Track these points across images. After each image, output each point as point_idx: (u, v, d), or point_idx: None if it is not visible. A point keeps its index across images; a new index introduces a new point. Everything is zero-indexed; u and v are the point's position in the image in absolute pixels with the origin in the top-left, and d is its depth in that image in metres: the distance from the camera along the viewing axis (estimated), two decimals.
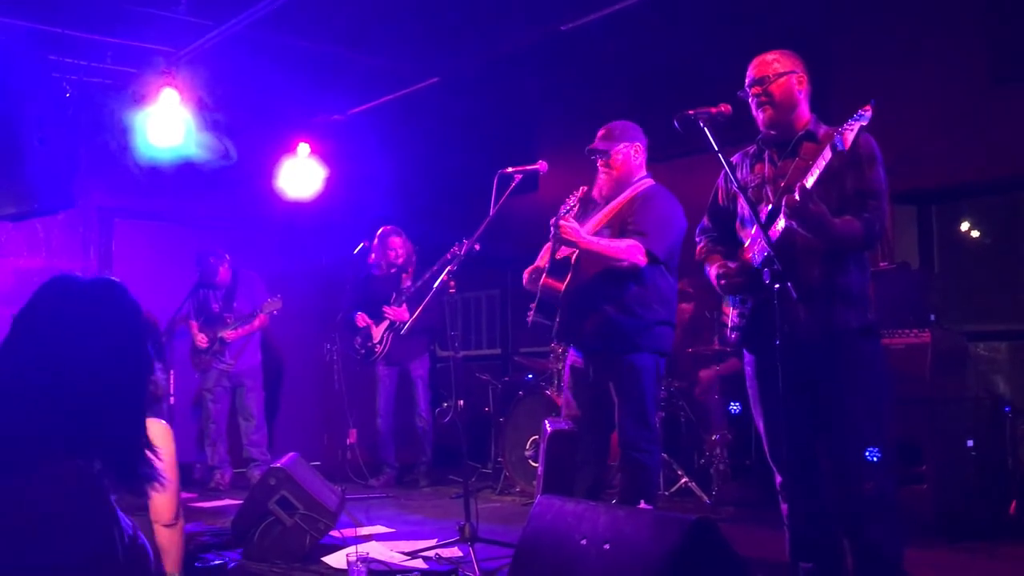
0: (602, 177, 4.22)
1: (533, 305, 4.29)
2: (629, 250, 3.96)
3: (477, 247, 4.48)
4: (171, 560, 3.17)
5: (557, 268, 4.18)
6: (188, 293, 7.16)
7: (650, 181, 4.23)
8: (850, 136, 2.98)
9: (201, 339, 7.04)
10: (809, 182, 3.06)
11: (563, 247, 4.12)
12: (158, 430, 3.29)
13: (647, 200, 4.12)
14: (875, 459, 3.13)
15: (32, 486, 1.70)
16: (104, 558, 1.75)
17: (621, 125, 4.25)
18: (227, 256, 7.15)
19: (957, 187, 5.80)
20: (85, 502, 1.74)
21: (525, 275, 4.35)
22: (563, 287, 4.15)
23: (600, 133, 4.25)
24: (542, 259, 4.32)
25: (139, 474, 1.86)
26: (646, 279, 4.04)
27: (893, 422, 3.38)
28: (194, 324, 7.13)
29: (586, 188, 4.20)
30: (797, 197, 3.02)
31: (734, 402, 5.68)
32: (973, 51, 5.40)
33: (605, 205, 4.21)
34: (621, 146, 4.19)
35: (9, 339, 1.86)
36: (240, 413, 7.11)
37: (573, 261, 4.14)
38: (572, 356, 4.32)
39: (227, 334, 6.98)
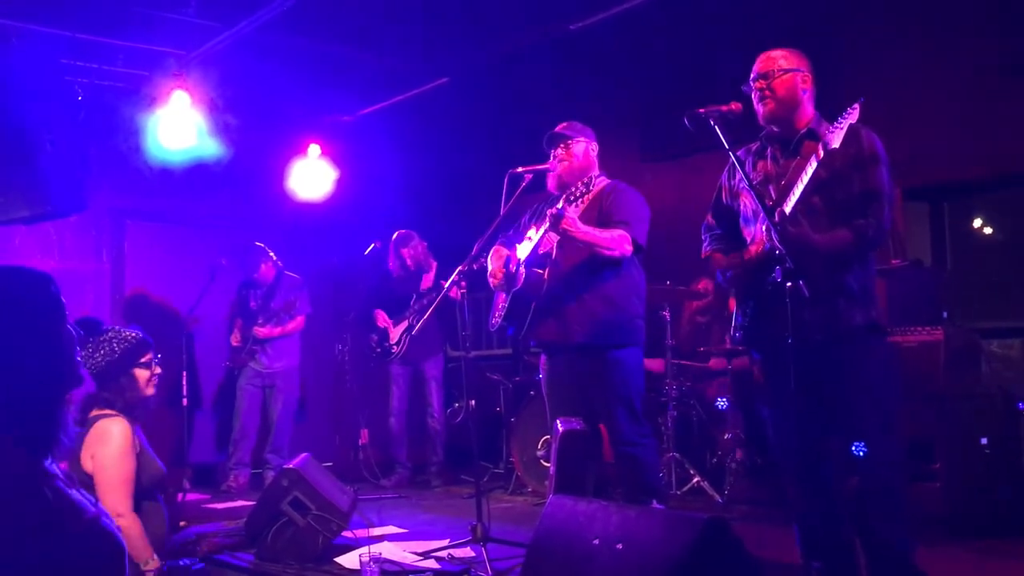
0: (560, 167, 4.26)
1: (499, 311, 4.31)
2: (619, 239, 4.01)
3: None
4: (134, 552, 3.36)
5: (534, 264, 4.18)
6: (234, 293, 7.23)
7: (607, 179, 4.31)
8: (838, 135, 3.00)
9: (234, 337, 7.05)
10: (788, 207, 3.06)
11: (545, 242, 4.13)
12: (105, 427, 3.53)
13: (621, 193, 4.20)
14: (861, 453, 3.13)
15: None
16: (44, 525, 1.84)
17: (580, 123, 4.36)
18: (272, 255, 7.14)
19: (969, 183, 5.78)
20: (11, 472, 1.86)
21: (493, 279, 4.36)
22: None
23: (561, 125, 4.33)
24: (500, 263, 4.33)
25: (58, 442, 1.97)
26: (623, 271, 4.10)
27: (902, 419, 3.36)
28: (238, 322, 7.13)
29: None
30: (776, 221, 3.02)
31: (721, 398, 5.68)
32: (984, 47, 5.37)
33: (561, 195, 4.20)
34: (582, 138, 4.28)
35: None
36: (268, 415, 7.10)
37: (553, 256, 4.14)
38: (542, 362, 4.34)
39: (257, 331, 6.96)
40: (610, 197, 4.17)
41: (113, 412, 3.64)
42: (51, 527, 1.84)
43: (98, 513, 1.95)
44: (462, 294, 4.55)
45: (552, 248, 4.15)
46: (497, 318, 4.34)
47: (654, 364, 5.89)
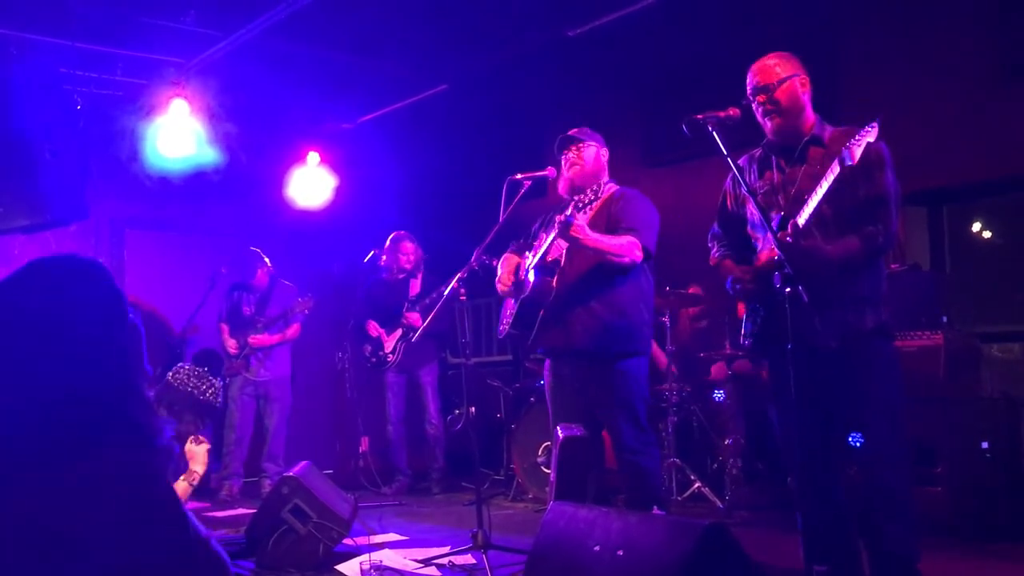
0: (571, 171, 4.26)
1: (507, 318, 4.30)
2: (628, 246, 4.00)
3: (496, 263, 4.54)
4: None
5: (543, 271, 4.18)
6: (223, 295, 7.11)
7: (616, 185, 4.31)
8: (857, 151, 2.98)
9: (232, 344, 6.96)
10: (802, 219, 3.06)
11: (554, 248, 4.13)
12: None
13: (630, 199, 4.18)
14: (857, 444, 3.13)
15: (78, 479, 1.62)
16: (177, 543, 1.72)
17: (590, 130, 4.35)
18: (267, 260, 7.12)
19: (968, 187, 5.78)
20: (139, 488, 1.69)
21: (501, 285, 4.35)
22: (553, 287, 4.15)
23: (573, 130, 4.33)
24: (509, 269, 4.34)
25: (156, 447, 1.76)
26: (632, 279, 4.08)
27: (907, 422, 3.36)
28: (225, 328, 7.05)
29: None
30: (789, 234, 3.02)
31: (719, 390, 5.68)
32: (982, 51, 5.38)
33: (572, 199, 4.24)
34: (593, 143, 4.28)
35: None
36: (263, 424, 7.06)
37: (562, 263, 4.14)
38: (546, 368, 4.33)
39: (254, 338, 6.91)
40: (619, 203, 4.16)
41: None
42: (164, 524, 1.70)
43: (210, 535, 1.84)
44: (462, 300, 4.56)
45: (561, 255, 4.15)
46: (505, 325, 4.33)
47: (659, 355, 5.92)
